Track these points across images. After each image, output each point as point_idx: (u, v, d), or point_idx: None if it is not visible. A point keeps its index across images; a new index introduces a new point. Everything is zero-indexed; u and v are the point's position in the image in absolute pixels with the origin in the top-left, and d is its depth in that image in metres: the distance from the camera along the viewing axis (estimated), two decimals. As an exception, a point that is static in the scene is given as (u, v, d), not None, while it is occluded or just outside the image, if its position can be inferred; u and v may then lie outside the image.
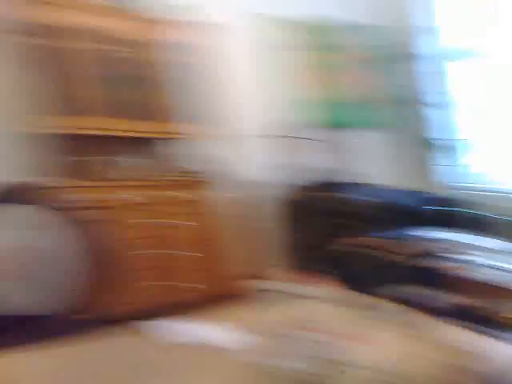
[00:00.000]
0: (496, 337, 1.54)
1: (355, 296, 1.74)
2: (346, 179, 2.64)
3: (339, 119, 4.04)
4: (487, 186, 3.78)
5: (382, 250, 2.27)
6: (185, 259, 3.15)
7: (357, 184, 2.72)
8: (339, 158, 2.49)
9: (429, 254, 2.86)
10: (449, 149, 4.11)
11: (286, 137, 2.82)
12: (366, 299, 1.72)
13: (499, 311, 1.68)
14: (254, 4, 3.75)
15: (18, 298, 1.26)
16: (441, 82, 4.18)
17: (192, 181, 3.21)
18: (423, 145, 4.20)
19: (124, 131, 3.13)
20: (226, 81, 3.63)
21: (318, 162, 2.51)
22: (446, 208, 3.70)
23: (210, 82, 3.47)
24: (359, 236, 2.37)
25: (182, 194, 3.14)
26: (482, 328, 1.67)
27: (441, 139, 4.16)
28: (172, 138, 3.40)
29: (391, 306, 1.58)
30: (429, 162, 4.19)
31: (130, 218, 2.96)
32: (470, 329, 1.61)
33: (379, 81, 4.29)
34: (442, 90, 4.18)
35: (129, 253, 2.89)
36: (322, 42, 4.10)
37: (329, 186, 2.57)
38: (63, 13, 2.93)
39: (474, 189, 3.89)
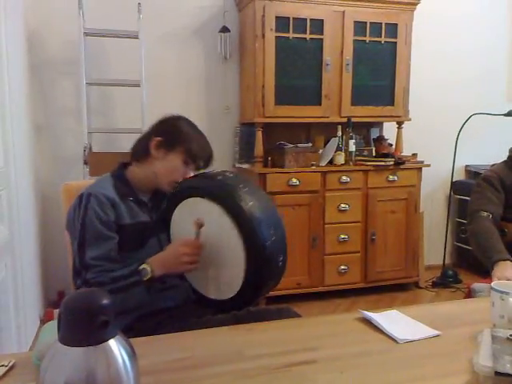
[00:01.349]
0: None
1: None
2: None
3: None
4: None
5: None
6: (387, 245, 3.31)
7: None
8: None
9: None
10: None
11: None
12: None
13: None
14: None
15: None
16: None
17: (405, 164, 3.27)
18: None
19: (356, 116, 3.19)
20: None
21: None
22: None
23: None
24: None
25: (395, 178, 3.24)
26: None
27: None
28: (387, 121, 3.44)
29: None
30: None
31: (342, 201, 3.14)
32: None
33: None
34: None
35: (333, 237, 3.12)
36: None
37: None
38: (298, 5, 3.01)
39: None
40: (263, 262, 1.18)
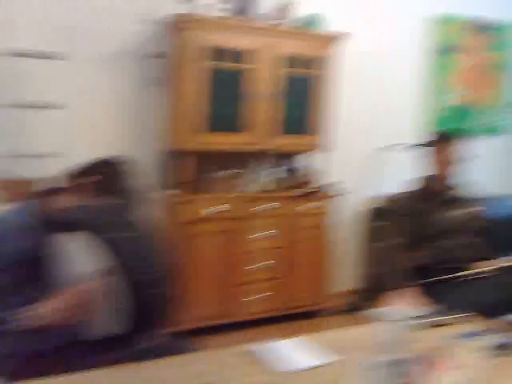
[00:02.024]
0: None
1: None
2: (464, 191, 2.45)
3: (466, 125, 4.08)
4: None
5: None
6: (301, 273, 3.32)
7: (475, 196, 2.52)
8: (458, 167, 2.36)
9: None
10: None
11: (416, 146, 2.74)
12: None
13: None
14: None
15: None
16: None
17: (319, 193, 3.34)
18: None
19: (264, 147, 3.23)
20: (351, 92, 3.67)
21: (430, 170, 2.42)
22: None
23: (336, 93, 3.49)
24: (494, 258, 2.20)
25: (308, 207, 3.28)
26: None
27: None
28: (305, 151, 3.52)
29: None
30: None
31: (256, 229, 3.12)
32: None
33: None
34: None
35: (247, 266, 3.09)
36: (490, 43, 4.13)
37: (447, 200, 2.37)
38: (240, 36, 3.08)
39: None
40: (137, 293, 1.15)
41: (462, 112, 4.06)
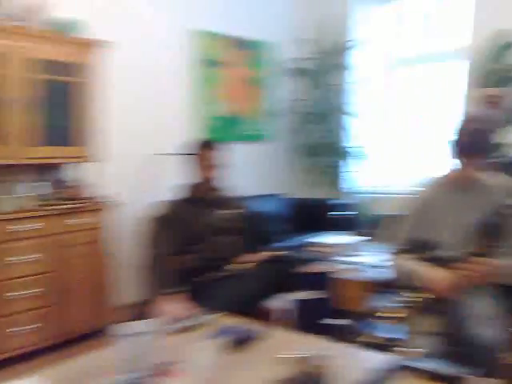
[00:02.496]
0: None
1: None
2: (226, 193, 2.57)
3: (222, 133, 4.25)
4: (386, 189, 4.19)
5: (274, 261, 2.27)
6: (78, 294, 3.09)
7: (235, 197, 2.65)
8: (221, 171, 2.49)
9: (320, 259, 2.99)
10: (354, 155, 4.39)
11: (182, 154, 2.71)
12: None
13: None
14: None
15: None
16: (350, 93, 4.52)
17: (92, 206, 3.12)
18: (335, 153, 4.41)
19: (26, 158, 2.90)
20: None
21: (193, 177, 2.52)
22: (346, 213, 4.01)
23: (97, 101, 3.27)
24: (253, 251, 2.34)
25: (80, 222, 3.06)
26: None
27: (348, 147, 4.42)
28: (71, 162, 3.28)
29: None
30: (338, 169, 4.44)
31: (16, 253, 2.77)
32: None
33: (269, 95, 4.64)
34: (352, 100, 4.50)
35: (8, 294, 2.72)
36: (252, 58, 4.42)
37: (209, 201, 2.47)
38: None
39: (374, 192, 4.30)
40: None
41: (228, 121, 4.36)
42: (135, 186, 3.78)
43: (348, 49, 4.42)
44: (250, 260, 2.24)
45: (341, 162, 4.41)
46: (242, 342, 1.47)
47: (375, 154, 4.53)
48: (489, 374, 1.67)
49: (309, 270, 2.80)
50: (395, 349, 1.52)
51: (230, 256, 2.32)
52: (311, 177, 4.49)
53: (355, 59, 4.51)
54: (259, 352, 1.47)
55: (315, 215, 4.02)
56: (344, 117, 4.50)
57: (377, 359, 1.34)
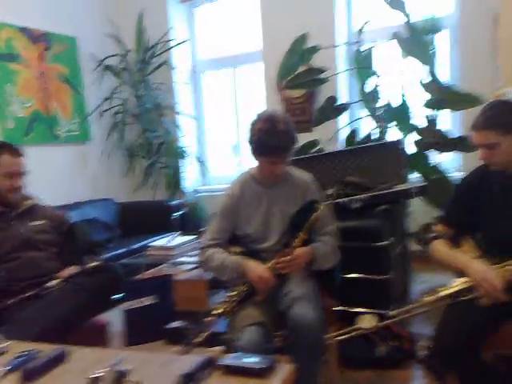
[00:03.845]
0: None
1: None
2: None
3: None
4: (217, 187, 4.13)
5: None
6: None
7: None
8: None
9: (160, 262, 2.89)
10: (187, 155, 4.36)
11: None
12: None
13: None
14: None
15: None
16: (190, 92, 4.57)
17: None
18: (172, 153, 4.29)
19: None
20: None
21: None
22: (185, 213, 3.93)
23: None
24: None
25: None
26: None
27: (181, 146, 4.37)
28: None
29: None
30: (176, 169, 4.29)
31: None
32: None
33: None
34: (191, 99, 4.56)
35: None
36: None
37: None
38: None
39: (208, 190, 4.37)
40: None
41: (33, 122, 3.86)
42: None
43: (167, 48, 4.33)
44: (62, 275, 2.04)
45: (177, 162, 4.31)
46: (39, 370, 1.30)
47: (207, 153, 4.72)
48: (314, 353, 1.73)
49: (150, 275, 2.69)
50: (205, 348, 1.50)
51: (47, 272, 2.08)
52: (152, 178, 4.31)
53: (175, 59, 4.48)
54: (63, 376, 1.31)
55: (155, 218, 3.89)
56: (175, 116, 4.45)
57: (188, 361, 1.28)
